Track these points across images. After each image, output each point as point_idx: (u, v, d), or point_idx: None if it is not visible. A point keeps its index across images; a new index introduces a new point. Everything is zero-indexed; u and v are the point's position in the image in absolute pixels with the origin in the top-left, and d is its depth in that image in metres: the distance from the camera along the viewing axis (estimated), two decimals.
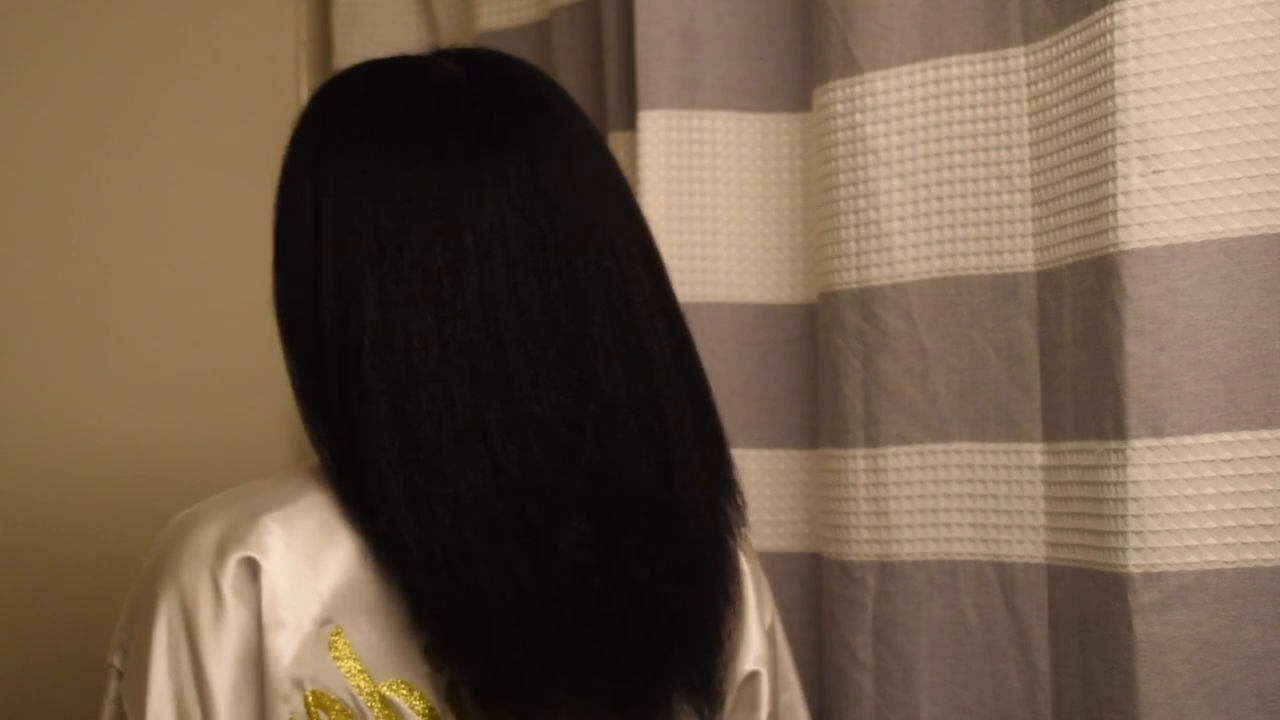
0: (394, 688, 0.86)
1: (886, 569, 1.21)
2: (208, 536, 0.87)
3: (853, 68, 1.23)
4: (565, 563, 0.84)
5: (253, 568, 0.84)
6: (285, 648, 0.84)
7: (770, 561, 1.32)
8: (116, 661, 0.89)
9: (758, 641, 0.97)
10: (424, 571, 0.84)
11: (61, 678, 1.54)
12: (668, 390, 0.89)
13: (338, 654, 0.85)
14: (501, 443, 0.83)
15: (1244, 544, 1.01)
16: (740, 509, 0.94)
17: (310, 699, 0.84)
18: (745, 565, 0.97)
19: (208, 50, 1.71)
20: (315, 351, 0.88)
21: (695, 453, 0.90)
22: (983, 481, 1.18)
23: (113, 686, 0.89)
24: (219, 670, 0.84)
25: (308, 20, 1.77)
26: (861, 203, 1.23)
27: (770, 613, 1.01)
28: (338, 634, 0.85)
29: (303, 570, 0.85)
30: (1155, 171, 1.03)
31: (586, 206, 0.89)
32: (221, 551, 0.85)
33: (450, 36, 1.67)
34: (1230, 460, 1.01)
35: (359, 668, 0.86)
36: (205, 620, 0.84)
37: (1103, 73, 1.06)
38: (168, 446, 1.64)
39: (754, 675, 0.96)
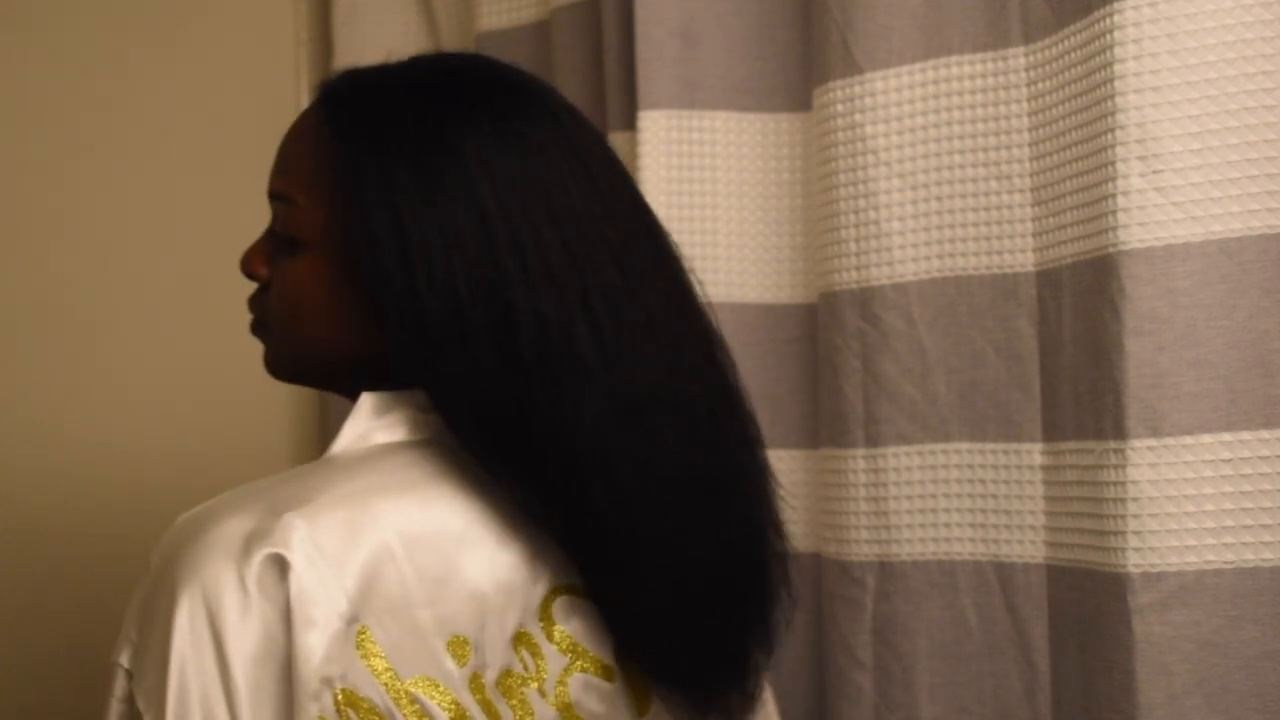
0: (419, 684, 0.86)
1: (886, 569, 1.21)
2: (231, 533, 0.86)
3: (853, 68, 1.23)
4: (731, 551, 0.92)
5: (280, 565, 0.84)
6: (316, 646, 0.83)
7: None
8: (124, 660, 0.88)
9: None
10: (638, 555, 0.90)
11: (63, 678, 1.54)
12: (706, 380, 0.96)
13: (365, 652, 0.85)
14: (687, 424, 0.91)
15: (1244, 544, 1.01)
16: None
17: (340, 697, 0.84)
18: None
19: (208, 50, 1.71)
20: (499, 360, 0.89)
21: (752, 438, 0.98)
22: (982, 481, 1.18)
23: (120, 685, 0.88)
24: (243, 668, 0.84)
25: (308, 20, 1.77)
26: (861, 203, 1.23)
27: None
28: (364, 632, 0.85)
29: (329, 567, 0.85)
30: (1155, 171, 1.03)
31: (620, 191, 0.96)
32: (247, 548, 0.84)
33: (450, 36, 1.67)
34: (1230, 460, 1.01)
35: (386, 665, 0.85)
36: (231, 618, 0.83)
37: (1103, 73, 1.06)
38: (168, 447, 1.64)
39: None
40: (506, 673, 0.89)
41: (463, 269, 0.87)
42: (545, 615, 0.91)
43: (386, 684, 0.85)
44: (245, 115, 1.68)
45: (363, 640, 0.85)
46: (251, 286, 1.00)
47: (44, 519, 1.60)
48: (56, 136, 1.65)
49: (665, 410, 0.90)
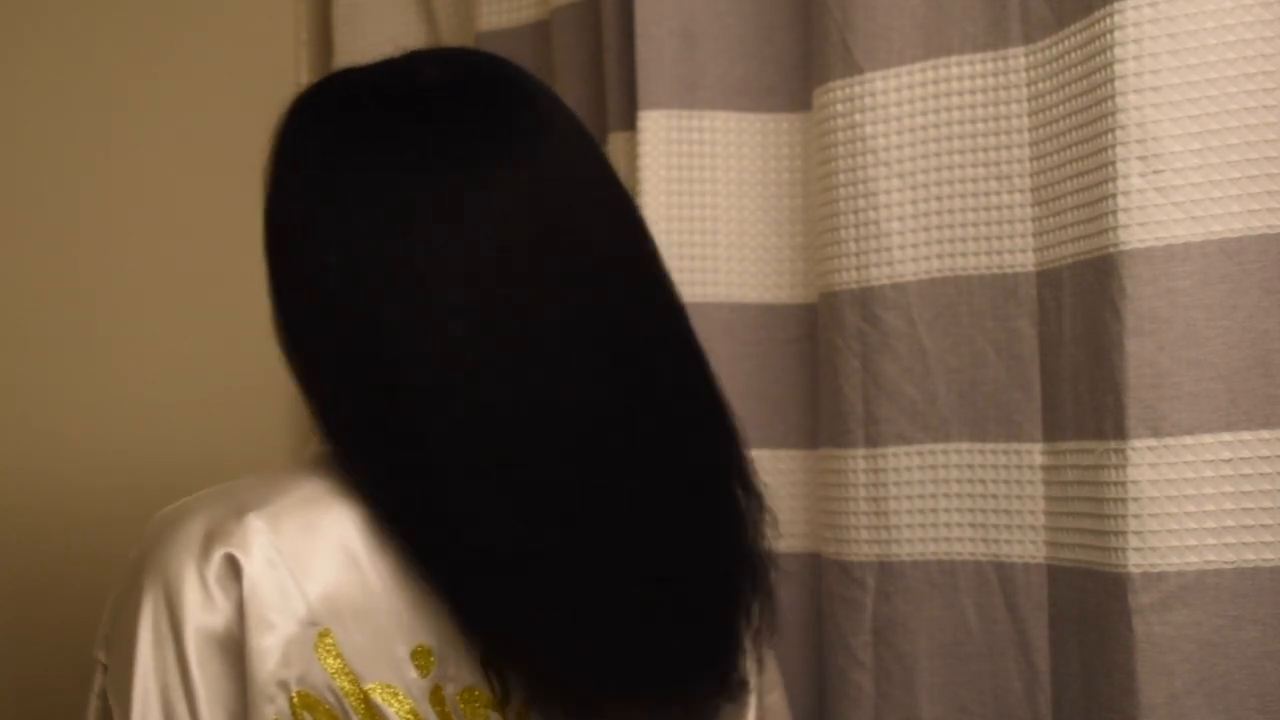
0: (379, 690, 0.86)
1: (886, 569, 1.21)
2: (194, 530, 0.87)
3: (853, 68, 1.23)
4: (620, 560, 0.87)
5: (235, 566, 0.85)
6: (271, 648, 0.84)
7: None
8: (101, 655, 0.90)
9: (747, 649, 0.97)
10: (480, 572, 0.86)
11: (62, 679, 1.54)
12: (667, 399, 0.91)
13: (324, 655, 0.85)
14: (532, 450, 0.85)
15: (1244, 544, 1.01)
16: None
17: (296, 700, 0.85)
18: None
19: (207, 50, 1.71)
20: (341, 379, 0.88)
21: (714, 464, 0.92)
22: (983, 481, 1.18)
23: (98, 680, 0.89)
24: (200, 666, 0.84)
25: (308, 20, 1.77)
26: (861, 203, 1.23)
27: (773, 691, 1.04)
28: (325, 635, 0.85)
29: (289, 570, 0.86)
30: (1155, 171, 1.03)
31: (572, 213, 0.89)
32: (208, 546, 0.86)
33: (450, 36, 1.67)
34: (1230, 460, 1.01)
35: (345, 669, 0.86)
36: (191, 614, 0.85)
37: (1103, 73, 1.06)
38: (167, 447, 1.64)
39: (742, 684, 0.97)
40: (470, 690, 0.89)
41: (333, 278, 0.87)
42: None
43: (345, 688, 0.85)
44: (245, 115, 1.68)
45: (322, 643, 0.85)
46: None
47: (43, 520, 1.60)
48: (55, 137, 1.65)
49: (534, 421, 0.86)
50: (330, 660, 0.85)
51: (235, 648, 0.85)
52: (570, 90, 1.47)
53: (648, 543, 0.88)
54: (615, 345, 0.89)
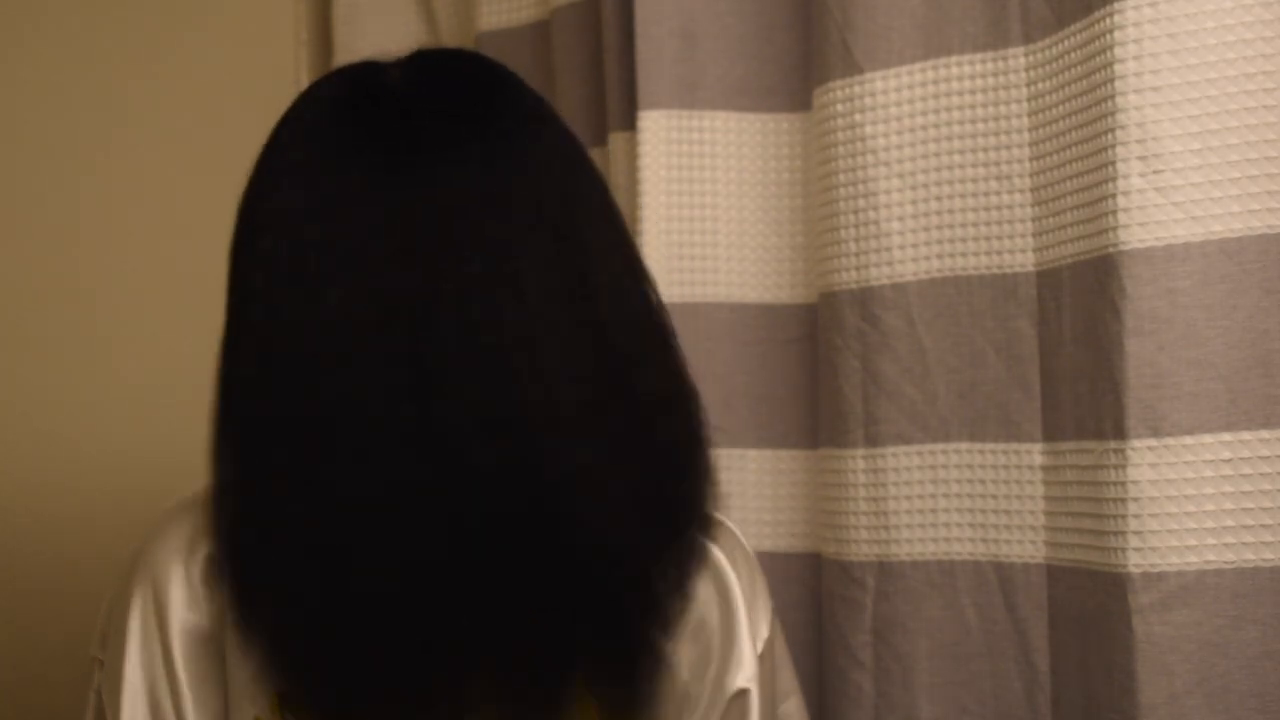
0: None
1: (886, 569, 1.21)
2: (182, 530, 0.88)
3: (853, 68, 1.23)
4: (397, 594, 0.82)
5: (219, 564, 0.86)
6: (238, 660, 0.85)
7: (770, 561, 1.32)
8: (97, 652, 0.90)
9: (749, 660, 0.95)
10: (244, 587, 0.84)
11: (62, 679, 1.53)
12: (545, 414, 0.84)
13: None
14: (311, 469, 0.83)
15: (1244, 544, 1.01)
16: (692, 530, 0.92)
17: (278, 699, 0.85)
18: (736, 583, 0.95)
19: (207, 50, 1.71)
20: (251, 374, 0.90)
21: (599, 480, 0.86)
22: (982, 481, 1.18)
23: (95, 677, 0.90)
24: (186, 664, 0.85)
25: (308, 20, 1.77)
26: (861, 203, 1.23)
27: (768, 627, 0.99)
28: None
29: None
30: (1155, 171, 1.03)
31: (467, 224, 0.86)
32: (193, 546, 0.87)
33: (450, 37, 1.67)
34: (1230, 460, 1.01)
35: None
36: (177, 612, 0.86)
37: (1103, 73, 1.06)
38: (167, 449, 1.64)
39: (743, 693, 0.94)
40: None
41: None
42: None
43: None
44: (245, 115, 1.68)
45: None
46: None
47: (41, 521, 1.60)
48: (55, 136, 1.65)
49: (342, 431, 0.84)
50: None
51: (219, 646, 0.85)
52: (570, 90, 1.47)
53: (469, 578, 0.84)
54: (482, 365, 0.85)
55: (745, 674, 0.94)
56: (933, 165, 1.20)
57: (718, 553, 0.95)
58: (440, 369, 0.83)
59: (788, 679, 1.03)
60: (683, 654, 0.92)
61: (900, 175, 1.21)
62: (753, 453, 1.34)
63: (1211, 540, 1.01)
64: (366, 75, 0.92)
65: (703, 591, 0.93)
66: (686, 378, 0.93)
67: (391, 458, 0.82)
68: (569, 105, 1.47)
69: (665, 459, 0.90)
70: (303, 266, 0.84)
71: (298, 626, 0.83)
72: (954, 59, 1.19)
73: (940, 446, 1.20)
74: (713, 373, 1.34)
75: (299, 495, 0.83)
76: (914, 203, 1.21)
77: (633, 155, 1.35)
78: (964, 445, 1.19)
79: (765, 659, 0.97)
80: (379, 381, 0.83)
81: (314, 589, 0.82)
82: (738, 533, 1.00)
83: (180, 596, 0.86)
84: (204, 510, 0.88)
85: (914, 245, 1.21)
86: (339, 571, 0.82)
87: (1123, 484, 1.04)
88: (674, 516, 0.90)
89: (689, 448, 0.92)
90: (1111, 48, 1.04)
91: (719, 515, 1.00)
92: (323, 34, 1.75)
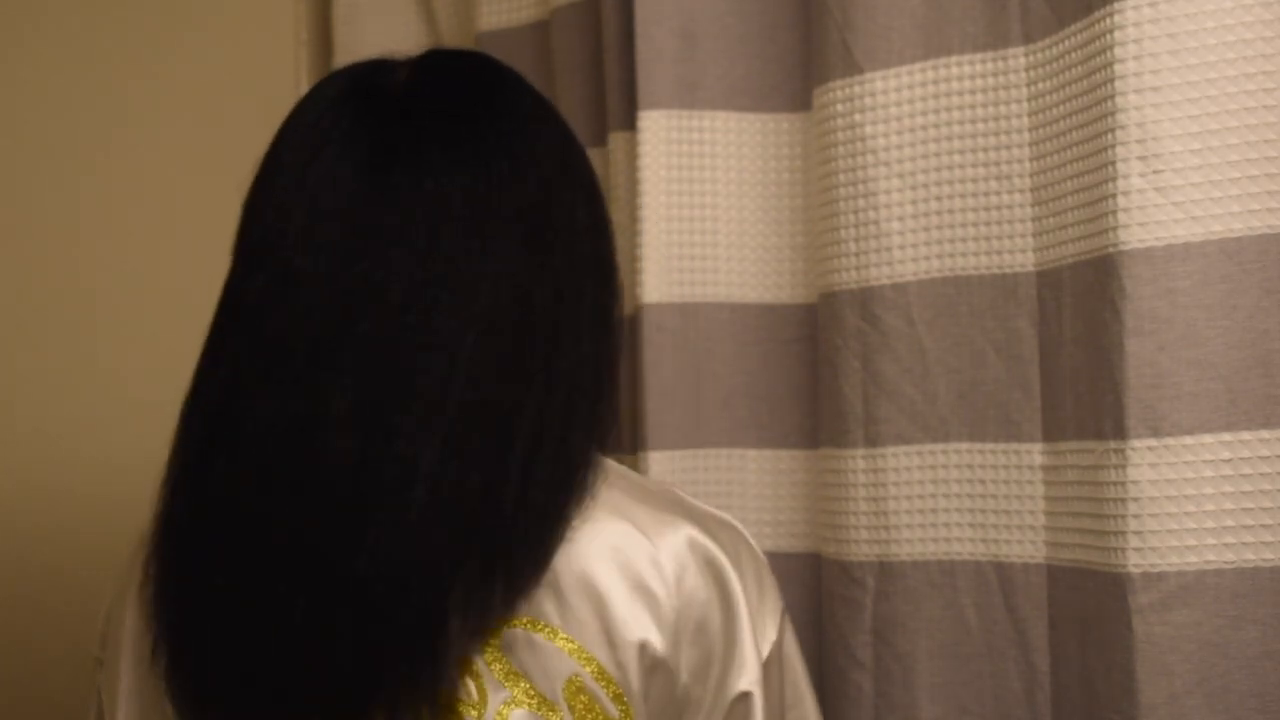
0: None
1: (886, 569, 1.21)
2: None
3: (852, 68, 1.23)
4: (242, 580, 0.84)
5: None
6: None
7: (770, 562, 1.31)
8: (98, 652, 0.91)
9: (752, 664, 0.94)
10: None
11: (60, 683, 1.53)
12: (419, 411, 0.85)
13: None
14: (207, 443, 0.88)
15: (1244, 544, 1.01)
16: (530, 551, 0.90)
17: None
18: (738, 584, 0.94)
19: (207, 50, 1.71)
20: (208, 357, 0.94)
21: (427, 484, 0.85)
22: (982, 481, 1.18)
23: (97, 676, 0.91)
24: None
25: (308, 20, 1.77)
26: (861, 203, 1.23)
27: (775, 629, 0.97)
28: None
29: None
30: (1155, 171, 1.03)
31: (438, 225, 0.87)
32: None
33: (450, 37, 1.67)
34: (1230, 460, 1.01)
35: None
36: None
37: (1103, 73, 1.06)
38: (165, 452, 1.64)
39: (746, 695, 0.93)
40: (447, 692, 0.89)
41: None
42: (492, 644, 0.89)
43: None
44: (245, 115, 1.68)
45: None
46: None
47: (40, 523, 1.60)
48: (55, 137, 1.65)
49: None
50: None
51: None
52: (570, 90, 1.47)
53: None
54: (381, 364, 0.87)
55: (748, 678, 0.93)
56: (933, 165, 1.20)
57: (719, 553, 0.94)
58: (340, 361, 0.85)
59: (799, 684, 1.01)
60: (683, 656, 0.92)
61: (900, 175, 1.21)
62: (753, 453, 1.34)
63: (1211, 540, 1.01)
64: (372, 73, 0.94)
65: (703, 593, 0.93)
66: (597, 408, 0.93)
67: (263, 449, 0.86)
68: (569, 105, 1.47)
69: (501, 486, 0.89)
70: (283, 255, 0.87)
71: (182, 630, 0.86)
72: (954, 59, 1.19)
73: (940, 446, 1.20)
74: (713, 373, 1.34)
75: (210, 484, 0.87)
76: (914, 203, 1.21)
77: (633, 155, 1.35)
78: (964, 445, 1.19)
79: (772, 662, 0.96)
80: (278, 371, 0.86)
81: (198, 590, 0.86)
82: (745, 533, 0.99)
83: None
84: None
85: (914, 245, 1.21)
86: (201, 569, 0.86)
87: (1123, 484, 1.04)
88: (484, 540, 0.88)
89: (547, 489, 0.90)
90: (1111, 48, 1.04)
91: (724, 515, 1.00)
92: (323, 34, 1.76)
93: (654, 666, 0.90)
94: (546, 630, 0.89)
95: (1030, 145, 1.16)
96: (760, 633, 0.95)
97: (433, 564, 0.85)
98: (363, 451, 0.84)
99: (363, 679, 0.84)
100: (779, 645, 0.97)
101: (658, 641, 0.90)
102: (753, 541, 1.00)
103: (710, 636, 0.93)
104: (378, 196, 0.87)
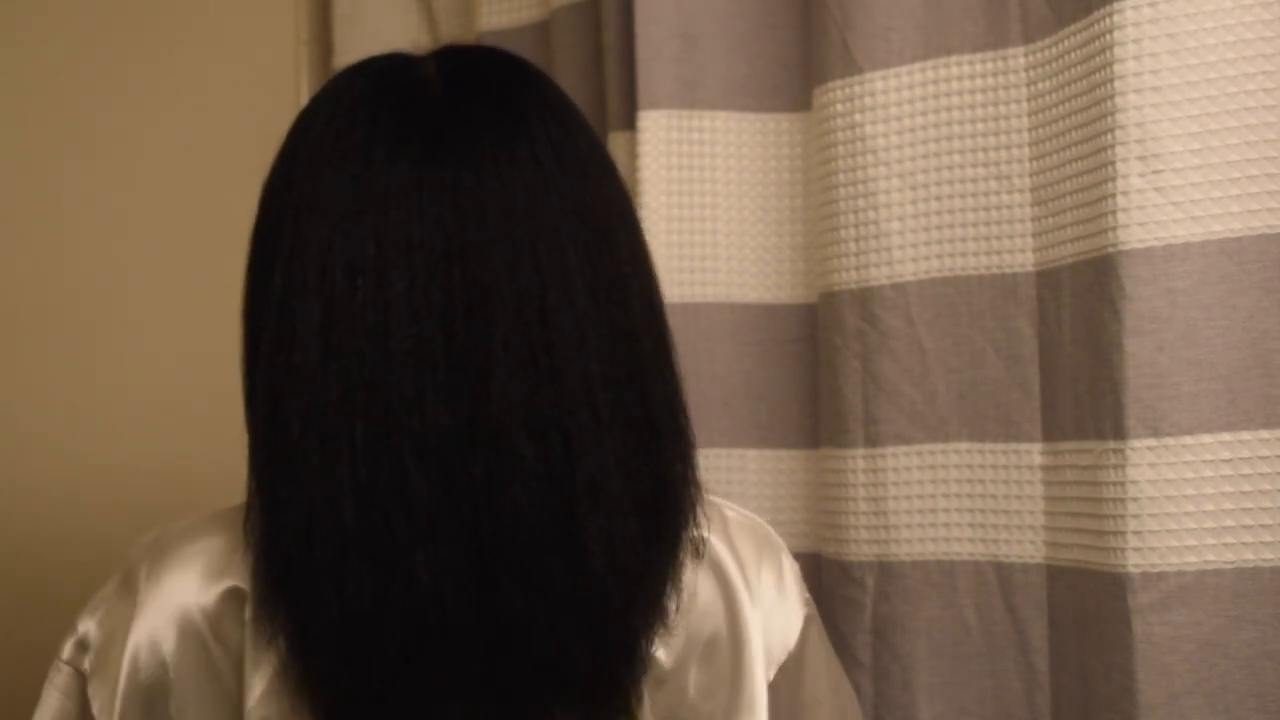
0: None
1: (885, 569, 1.21)
2: (196, 559, 0.88)
3: (852, 68, 1.23)
4: (421, 587, 0.81)
5: (241, 598, 0.86)
6: (257, 682, 0.85)
7: None
8: (71, 655, 0.90)
9: (760, 697, 0.93)
10: (266, 577, 0.83)
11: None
12: (585, 415, 0.84)
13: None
14: (367, 455, 0.81)
15: (1244, 544, 1.01)
16: (694, 544, 0.91)
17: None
18: (745, 598, 0.94)
19: (207, 50, 1.71)
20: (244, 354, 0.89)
21: (617, 485, 0.85)
22: (982, 481, 1.18)
23: (63, 678, 0.90)
24: (180, 700, 0.86)
25: (308, 20, 1.77)
26: (861, 203, 1.23)
27: (798, 631, 0.97)
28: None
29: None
30: (1155, 171, 1.03)
31: (516, 220, 0.85)
32: (208, 580, 0.87)
33: (450, 37, 1.67)
34: (1230, 460, 1.01)
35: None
36: (178, 647, 0.86)
37: (1102, 73, 1.06)
38: (165, 455, 1.64)
39: None
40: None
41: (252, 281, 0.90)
42: None
43: None
44: (245, 115, 1.68)
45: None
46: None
47: (29, 529, 1.60)
48: (55, 138, 1.65)
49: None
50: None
51: (228, 687, 0.86)
52: (570, 90, 1.46)
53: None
54: (536, 369, 0.84)
55: (758, 713, 0.93)
56: (933, 165, 1.20)
57: (734, 572, 0.94)
58: (489, 367, 0.82)
59: (820, 683, 0.99)
60: (691, 676, 0.92)
61: (900, 175, 1.22)
62: (753, 453, 1.34)
63: (1211, 540, 1.01)
64: (401, 68, 0.91)
65: (713, 618, 0.92)
66: (682, 391, 0.93)
67: (442, 455, 0.82)
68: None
69: (664, 478, 0.89)
70: (360, 258, 0.83)
71: (334, 619, 0.82)
72: (954, 59, 1.19)
73: (940, 446, 1.20)
74: (713, 373, 1.34)
75: (347, 494, 0.81)
76: (914, 203, 1.21)
77: (633, 155, 1.35)
78: (964, 445, 1.19)
79: (787, 669, 0.95)
80: (429, 379, 0.82)
81: (359, 585, 0.82)
82: (770, 534, 0.99)
83: (183, 632, 0.86)
84: (228, 529, 0.88)
85: (914, 245, 1.21)
86: (384, 569, 0.81)
87: (1122, 484, 1.04)
88: (668, 537, 0.90)
89: (683, 469, 0.91)
90: (1111, 48, 1.04)
91: (742, 510, 1.00)
92: (323, 34, 1.76)
93: (660, 681, 0.91)
94: None
95: (1030, 145, 1.16)
96: (775, 643, 0.95)
97: (633, 570, 0.85)
98: (545, 460, 0.83)
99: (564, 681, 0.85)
100: (800, 648, 0.97)
101: (664, 658, 0.91)
102: (777, 541, 0.99)
103: (720, 657, 0.92)
104: (445, 194, 0.84)
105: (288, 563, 0.82)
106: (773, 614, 0.95)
